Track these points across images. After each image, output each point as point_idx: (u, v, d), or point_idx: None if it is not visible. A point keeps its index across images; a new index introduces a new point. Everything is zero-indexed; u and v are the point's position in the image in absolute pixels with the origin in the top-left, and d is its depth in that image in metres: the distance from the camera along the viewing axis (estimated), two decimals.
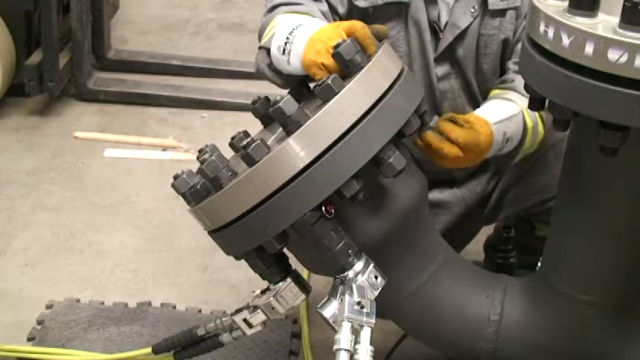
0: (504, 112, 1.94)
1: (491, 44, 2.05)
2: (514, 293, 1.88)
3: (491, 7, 2.02)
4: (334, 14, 2.02)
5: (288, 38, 1.77)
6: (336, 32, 1.71)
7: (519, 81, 1.97)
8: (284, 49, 1.77)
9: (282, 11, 1.92)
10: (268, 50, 1.84)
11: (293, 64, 1.76)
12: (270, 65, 1.86)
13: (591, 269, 1.74)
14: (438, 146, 1.79)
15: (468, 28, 2.02)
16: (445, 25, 2.03)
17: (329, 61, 1.67)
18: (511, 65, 2.09)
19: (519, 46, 2.03)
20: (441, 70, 2.07)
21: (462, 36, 2.03)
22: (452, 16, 2.02)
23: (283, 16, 1.90)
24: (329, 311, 1.60)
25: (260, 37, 1.94)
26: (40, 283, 2.78)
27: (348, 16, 2.02)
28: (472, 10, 2.01)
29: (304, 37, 1.74)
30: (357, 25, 1.70)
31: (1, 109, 3.90)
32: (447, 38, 2.03)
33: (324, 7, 1.99)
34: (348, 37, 1.68)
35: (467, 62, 2.06)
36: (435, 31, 2.04)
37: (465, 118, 1.84)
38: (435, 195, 2.19)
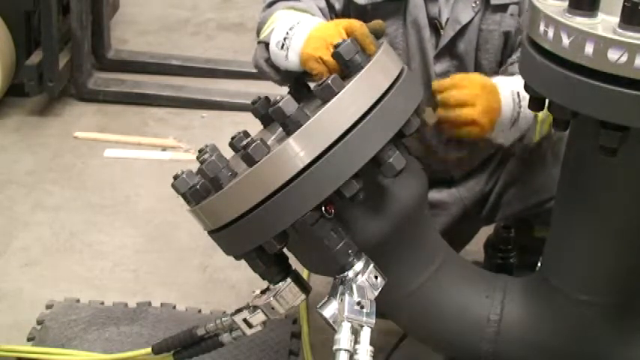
0: (508, 77, 1.97)
1: (491, 39, 2.05)
2: (514, 293, 1.88)
3: (493, 1, 2.02)
4: (331, 11, 2.03)
5: (287, 34, 1.78)
6: (335, 30, 1.72)
7: None
8: (283, 44, 1.78)
9: (282, 7, 1.93)
10: (267, 45, 1.85)
11: (291, 59, 1.77)
12: (268, 60, 1.87)
13: (591, 269, 1.74)
14: (451, 116, 1.84)
15: (469, 23, 2.02)
16: (446, 22, 2.03)
17: (327, 57, 1.68)
18: (514, 58, 2.08)
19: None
20: (440, 67, 2.07)
21: (462, 31, 2.03)
22: (453, 11, 2.02)
23: (283, 11, 1.90)
24: (329, 311, 1.60)
25: (258, 32, 1.95)
26: (40, 283, 2.78)
27: (344, 13, 2.02)
28: (474, 5, 2.01)
29: (303, 33, 1.75)
30: (355, 24, 1.71)
31: (1, 109, 3.90)
32: (448, 34, 2.03)
33: (322, 3, 2.01)
34: (347, 35, 1.68)
35: (468, 58, 2.06)
36: (436, 27, 2.04)
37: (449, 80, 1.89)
38: (434, 195, 2.19)
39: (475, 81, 1.87)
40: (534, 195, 2.21)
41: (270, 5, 1.98)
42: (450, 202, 2.24)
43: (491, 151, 2.21)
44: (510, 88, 1.90)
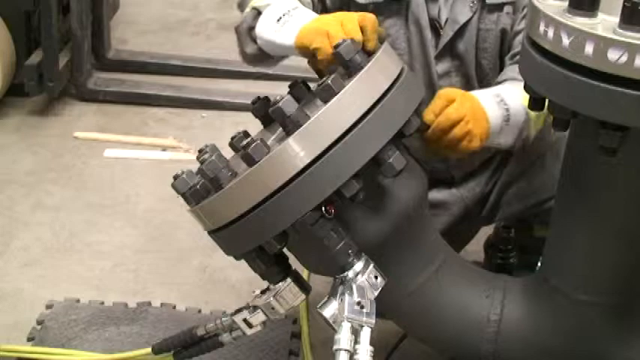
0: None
1: (489, 38, 2.06)
2: (514, 293, 1.88)
3: (489, 0, 2.02)
4: (321, 5, 2.03)
5: (288, 11, 1.77)
6: (336, 23, 1.71)
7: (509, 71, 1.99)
8: (280, 19, 1.77)
9: None
10: (258, 13, 1.84)
11: (285, 33, 1.76)
12: (252, 30, 1.86)
13: (591, 269, 1.74)
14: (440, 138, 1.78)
15: (467, 22, 2.02)
16: (445, 22, 2.03)
17: (324, 45, 1.67)
18: (507, 60, 2.08)
19: (517, 40, 2.04)
20: (441, 67, 2.07)
21: (461, 31, 2.03)
22: (452, 12, 2.02)
23: None
24: (329, 311, 1.60)
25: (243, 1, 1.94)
26: (40, 283, 2.78)
27: (338, 10, 2.02)
28: (471, 5, 2.02)
29: (304, 17, 1.75)
30: (370, 17, 1.71)
31: (1, 109, 3.90)
32: (448, 34, 2.04)
33: None
34: (360, 26, 1.68)
35: (469, 58, 2.06)
36: (436, 28, 2.04)
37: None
38: (434, 195, 2.19)
39: (451, 94, 1.82)
40: (534, 195, 2.22)
41: None
42: (451, 201, 2.24)
43: (492, 152, 2.21)
44: (488, 92, 1.90)
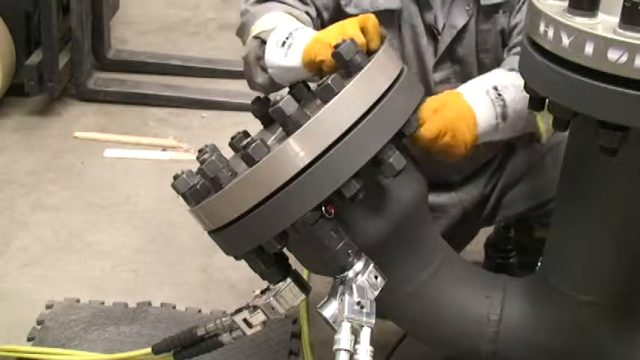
0: (478, 78, 1.92)
1: (489, 39, 2.05)
2: (514, 293, 1.88)
3: (483, 2, 2.01)
4: (319, 19, 2.02)
5: (291, 34, 1.76)
6: (339, 34, 1.70)
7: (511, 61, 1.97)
8: (284, 42, 1.76)
9: (278, 8, 1.91)
10: (262, 42, 1.83)
11: (291, 56, 1.74)
12: (260, 59, 1.85)
13: (591, 270, 1.74)
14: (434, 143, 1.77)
15: (465, 26, 2.02)
16: (443, 28, 2.03)
17: (327, 56, 1.66)
18: (505, 53, 2.06)
19: (514, 33, 2.03)
20: (439, 75, 2.06)
21: (460, 36, 2.03)
22: (449, 17, 2.02)
23: (281, 14, 1.88)
24: (329, 311, 1.60)
25: (244, 25, 1.93)
26: (40, 283, 2.78)
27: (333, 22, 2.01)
28: (467, 8, 2.01)
29: (307, 35, 1.75)
30: (370, 17, 1.71)
31: (1, 109, 3.90)
32: (446, 40, 2.03)
33: (314, 12, 1.99)
34: (360, 27, 1.68)
35: (470, 61, 2.06)
36: (433, 34, 2.04)
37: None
38: (433, 199, 2.17)
39: (430, 105, 1.78)
40: (535, 197, 2.21)
41: (261, 1, 1.96)
42: (450, 205, 2.23)
43: (490, 156, 2.21)
44: (480, 85, 1.86)
